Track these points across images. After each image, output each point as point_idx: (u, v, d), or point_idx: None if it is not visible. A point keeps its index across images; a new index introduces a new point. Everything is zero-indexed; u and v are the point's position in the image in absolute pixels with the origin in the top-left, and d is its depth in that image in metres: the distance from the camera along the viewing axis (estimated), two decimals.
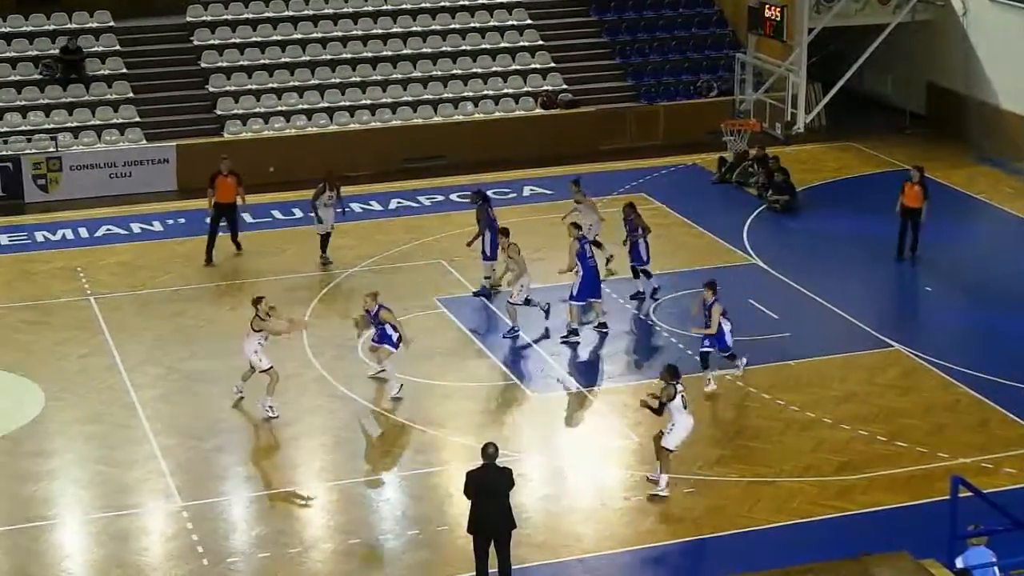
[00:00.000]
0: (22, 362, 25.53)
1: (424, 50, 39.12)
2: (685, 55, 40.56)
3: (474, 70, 38.92)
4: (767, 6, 38.45)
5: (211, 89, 37.33)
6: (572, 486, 21.68)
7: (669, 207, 33.03)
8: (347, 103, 37.48)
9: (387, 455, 22.58)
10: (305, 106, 37.23)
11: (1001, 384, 24.26)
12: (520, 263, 26.19)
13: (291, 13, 39.28)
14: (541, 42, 39.95)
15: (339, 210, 30.17)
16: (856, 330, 26.56)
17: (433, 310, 27.41)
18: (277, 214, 33.05)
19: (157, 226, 32.49)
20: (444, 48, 39.29)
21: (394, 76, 38.37)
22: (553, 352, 25.74)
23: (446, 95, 38.12)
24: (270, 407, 23.18)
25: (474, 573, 18.29)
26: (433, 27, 39.64)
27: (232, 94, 37.15)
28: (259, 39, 38.59)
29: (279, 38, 38.74)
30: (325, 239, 29.89)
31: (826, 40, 39.46)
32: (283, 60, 38.23)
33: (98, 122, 35.93)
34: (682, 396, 20.63)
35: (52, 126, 35.61)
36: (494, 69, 39.04)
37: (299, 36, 38.83)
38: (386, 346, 23.82)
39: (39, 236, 31.94)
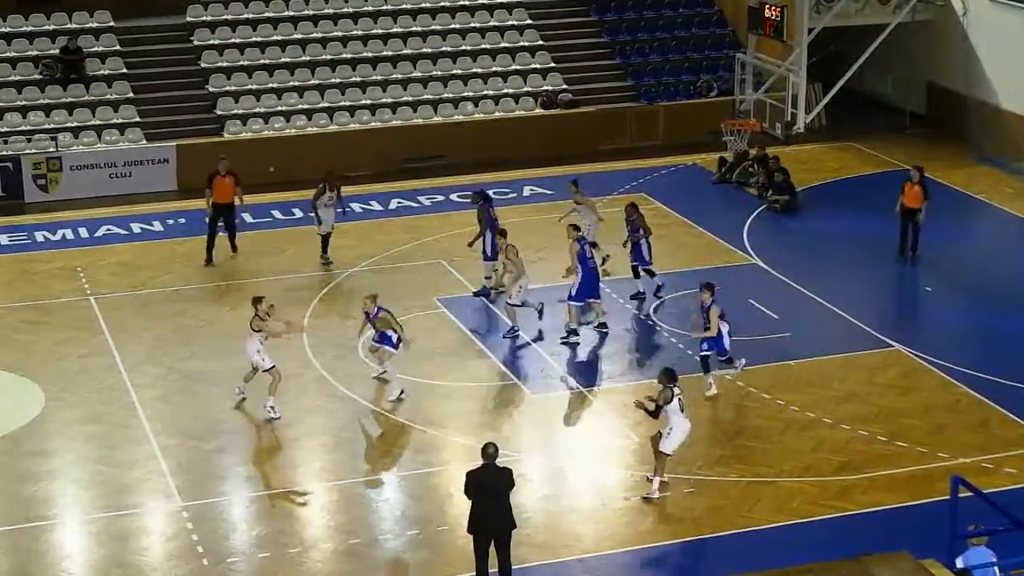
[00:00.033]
0: (22, 362, 25.53)
1: (424, 50, 39.12)
2: (685, 55, 40.57)
3: (474, 70, 38.92)
4: (767, 6, 38.45)
5: (211, 89, 37.33)
6: (572, 486, 21.68)
7: (669, 207, 33.03)
8: (347, 103, 37.48)
9: (387, 455, 22.58)
10: (305, 106, 37.23)
11: (1001, 384, 24.26)
12: (518, 264, 26.18)
13: (291, 13, 39.29)
14: (541, 42, 39.95)
15: (339, 210, 30.17)
16: (856, 330, 26.56)
17: (433, 310, 27.41)
18: (277, 214, 33.05)
19: (157, 226, 32.49)
20: (444, 48, 39.29)
21: (394, 76, 38.37)
22: (553, 352, 25.74)
23: (446, 95, 38.12)
24: (271, 407, 23.17)
25: (474, 573, 18.29)
26: (433, 27, 39.65)
27: (232, 94, 37.15)
28: (259, 39, 38.60)
29: (279, 38, 38.75)
30: (326, 239, 29.88)
31: (826, 40, 39.46)
32: (283, 60, 38.23)
33: (98, 122, 35.93)
34: (679, 400, 20.60)
35: (52, 126, 35.61)
36: (494, 69, 39.04)
37: (299, 36, 38.84)
38: (386, 347, 23.82)
39: (39, 236, 31.94)
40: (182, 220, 32.49)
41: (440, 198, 34.06)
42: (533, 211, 32.64)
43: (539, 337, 26.23)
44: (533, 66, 39.25)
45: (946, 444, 22.30)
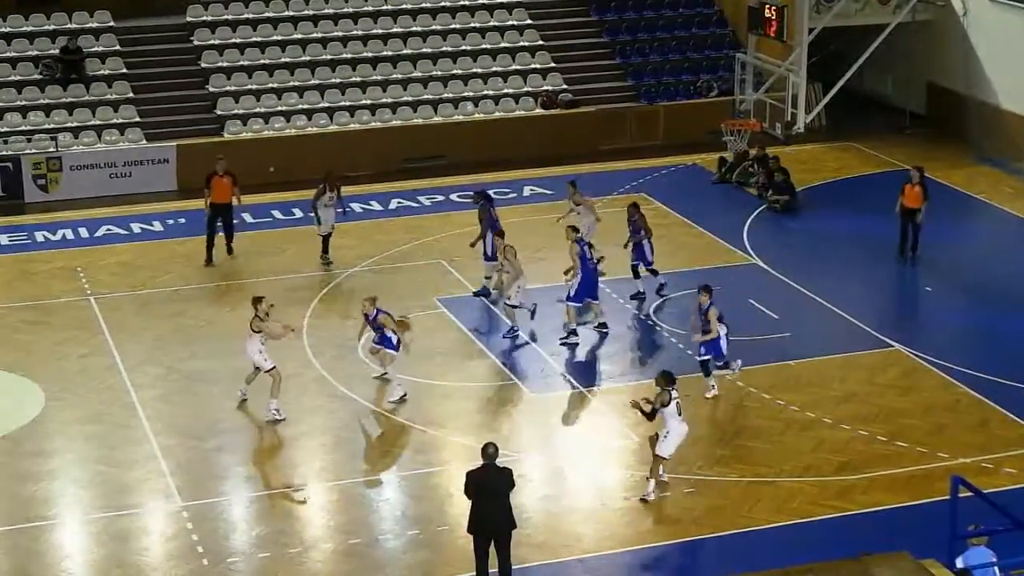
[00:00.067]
0: (22, 362, 25.53)
1: (424, 50, 39.12)
2: (685, 55, 40.57)
3: (474, 70, 38.92)
4: (767, 6, 38.45)
5: (211, 89, 37.33)
6: (572, 486, 21.68)
7: (669, 207, 33.03)
8: (347, 103, 37.48)
9: (387, 455, 22.58)
10: (305, 106, 37.23)
11: (1001, 384, 24.26)
12: (516, 265, 26.18)
13: (291, 13, 39.29)
14: (541, 42, 39.95)
15: (339, 210, 30.16)
16: (856, 330, 26.56)
17: (433, 310, 27.41)
18: (277, 214, 33.05)
19: (157, 226, 32.49)
20: (444, 48, 39.29)
21: (394, 76, 38.37)
22: (553, 352, 25.73)
23: (446, 95, 38.12)
24: (276, 410, 23.16)
25: (474, 573, 18.29)
26: (433, 27, 39.65)
27: (232, 94, 37.15)
28: (259, 39, 38.60)
29: (279, 38, 38.75)
30: (326, 240, 29.87)
31: (826, 40, 39.46)
32: (283, 60, 38.24)
33: (98, 122, 35.93)
34: (677, 403, 20.56)
35: (52, 126, 35.62)
36: (494, 69, 39.04)
37: (299, 36, 38.84)
38: (387, 349, 23.80)
39: (39, 236, 31.94)
40: (182, 220, 32.49)
41: (440, 198, 34.07)
42: (533, 211, 32.64)
43: (533, 338, 26.16)
44: (533, 66, 39.25)
45: (946, 444, 22.30)
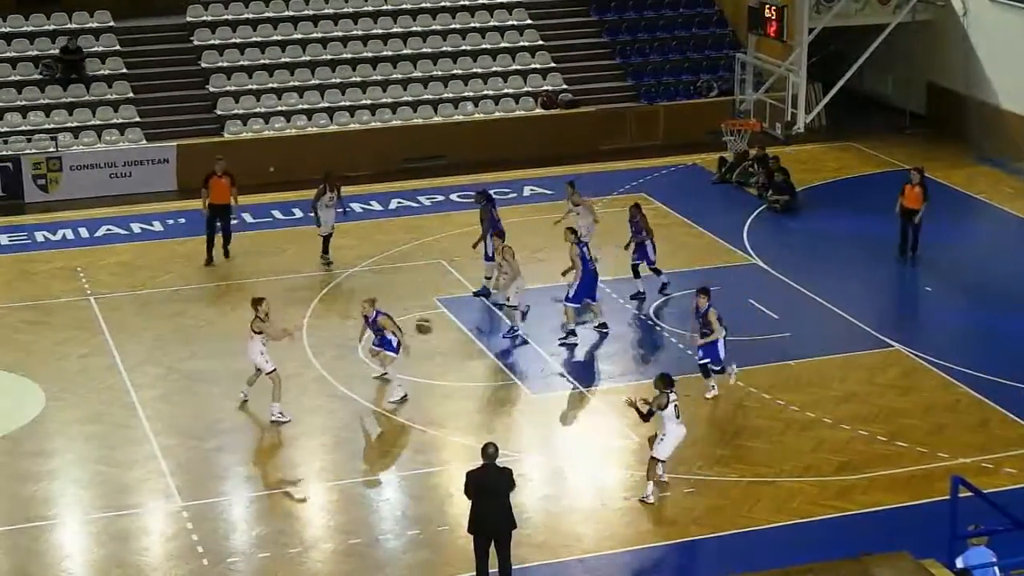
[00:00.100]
0: (22, 362, 25.53)
1: (424, 50, 39.12)
2: (685, 55, 40.57)
3: (474, 70, 38.92)
4: (767, 6, 38.45)
5: (211, 89, 37.33)
6: (572, 486, 21.68)
7: (669, 207, 33.03)
8: (347, 103, 37.48)
9: (387, 455, 22.58)
10: (305, 106, 37.23)
11: (1001, 384, 24.26)
12: (513, 266, 26.17)
13: (291, 13, 39.29)
14: (541, 42, 39.95)
15: (340, 210, 30.15)
16: (856, 330, 26.56)
17: (433, 310, 27.39)
18: (277, 214, 33.05)
19: (157, 226, 32.49)
20: (444, 48, 39.29)
21: (394, 76, 38.37)
22: (553, 352, 25.73)
23: (446, 95, 38.12)
24: (280, 412, 23.13)
25: (474, 573, 18.29)
26: (433, 27, 39.65)
27: (232, 94, 37.15)
28: (259, 39, 38.60)
29: (279, 38, 38.75)
30: (326, 240, 29.86)
31: (826, 40, 39.46)
32: (283, 60, 38.24)
33: (98, 122, 35.93)
34: (675, 405, 20.54)
35: (52, 126, 35.62)
36: (494, 69, 39.05)
37: (299, 36, 38.84)
38: (386, 351, 23.78)
39: (39, 236, 31.94)
40: (182, 220, 32.49)
41: (440, 198, 34.07)
42: (533, 211, 32.63)
43: (524, 341, 26.11)
44: (533, 66, 39.26)
45: (946, 444, 22.30)
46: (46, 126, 35.59)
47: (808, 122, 38.99)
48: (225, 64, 37.86)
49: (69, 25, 37.84)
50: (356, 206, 32.59)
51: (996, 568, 15.39)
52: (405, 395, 23.76)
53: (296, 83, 37.71)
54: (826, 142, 38.27)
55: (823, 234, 31.84)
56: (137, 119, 36.13)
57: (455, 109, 37.86)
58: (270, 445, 22.88)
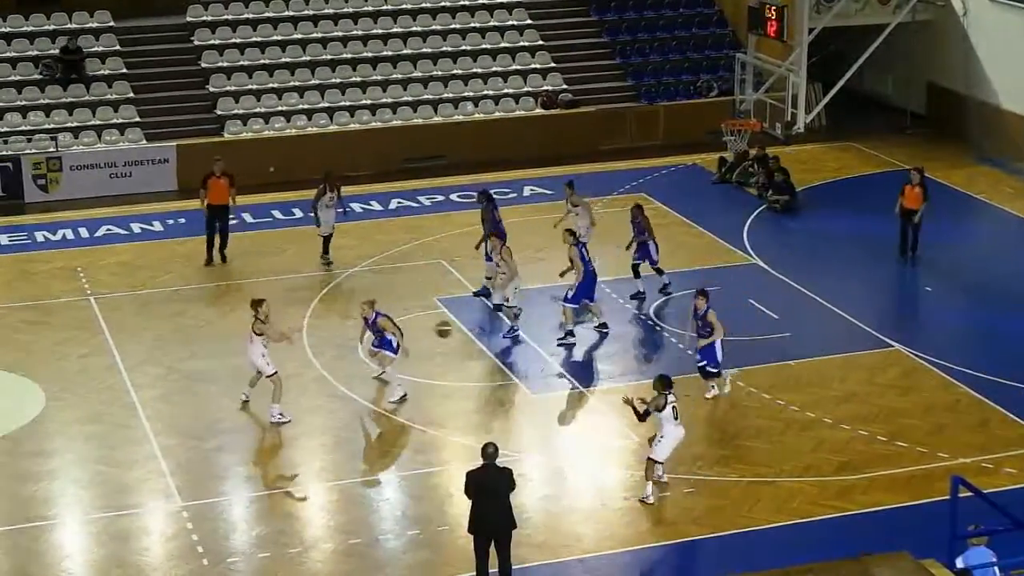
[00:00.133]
0: (22, 362, 25.53)
1: (424, 50, 39.12)
2: (685, 55, 40.57)
3: (474, 70, 38.92)
4: (767, 6, 38.45)
5: (211, 89, 37.33)
6: (572, 486, 21.67)
7: (669, 207, 33.03)
8: (347, 103, 37.48)
9: (387, 455, 22.57)
10: (305, 106, 37.23)
11: (1001, 384, 24.26)
12: (511, 266, 26.17)
13: (291, 13, 39.29)
14: (541, 42, 39.95)
15: (340, 210, 30.14)
16: (856, 330, 26.56)
17: (433, 310, 27.40)
18: (277, 214, 33.05)
19: (157, 226, 32.49)
20: (444, 48, 39.29)
21: (394, 76, 38.37)
22: (552, 352, 25.73)
23: (446, 95, 38.12)
24: (280, 414, 23.13)
25: (474, 573, 18.29)
26: (433, 27, 39.65)
27: (232, 94, 37.15)
28: (259, 39, 38.60)
29: (279, 38, 38.75)
30: (326, 241, 29.86)
31: (826, 40, 39.46)
32: (283, 60, 38.24)
33: (98, 122, 35.93)
34: (673, 407, 20.51)
35: (52, 126, 35.61)
36: (494, 69, 39.05)
37: (299, 36, 38.84)
38: (386, 352, 23.78)
39: (39, 236, 31.94)
40: (182, 220, 32.48)
41: (440, 198, 34.07)
42: (533, 211, 32.63)
43: (516, 342, 26.09)
44: (533, 66, 39.26)
45: (946, 444, 22.30)
46: (46, 126, 35.59)
47: (808, 122, 38.99)
48: (225, 64, 37.86)
49: (69, 25, 37.84)
50: (356, 206, 32.59)
51: (996, 568, 15.39)
52: (405, 395, 23.77)
53: (296, 83, 37.71)
54: (826, 142, 38.27)
55: (823, 234, 31.84)
56: (137, 119, 36.13)
57: (455, 109, 37.86)
58: (270, 445, 22.88)
